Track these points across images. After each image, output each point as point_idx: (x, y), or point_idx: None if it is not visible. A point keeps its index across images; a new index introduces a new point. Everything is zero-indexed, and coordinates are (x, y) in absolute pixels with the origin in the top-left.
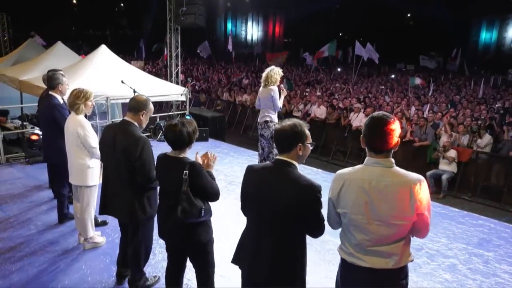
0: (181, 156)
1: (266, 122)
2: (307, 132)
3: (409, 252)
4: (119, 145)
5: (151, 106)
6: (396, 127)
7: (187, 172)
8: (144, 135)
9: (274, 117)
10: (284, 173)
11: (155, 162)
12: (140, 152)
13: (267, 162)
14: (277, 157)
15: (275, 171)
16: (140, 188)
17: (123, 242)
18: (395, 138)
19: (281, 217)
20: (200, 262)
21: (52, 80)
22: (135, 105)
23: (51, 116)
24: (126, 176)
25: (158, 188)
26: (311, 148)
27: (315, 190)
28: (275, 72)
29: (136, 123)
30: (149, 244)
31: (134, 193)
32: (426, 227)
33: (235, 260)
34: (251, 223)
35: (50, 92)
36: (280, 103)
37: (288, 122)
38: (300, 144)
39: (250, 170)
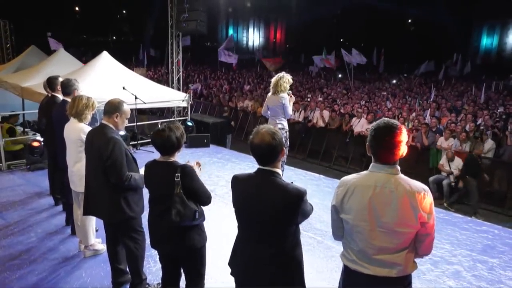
0: (171, 160)
1: (280, 130)
2: (281, 134)
3: (413, 262)
4: (95, 146)
5: (125, 108)
6: (403, 138)
7: (179, 174)
8: (118, 136)
9: (286, 124)
10: (270, 182)
11: (144, 170)
12: (111, 151)
13: (252, 172)
14: (260, 167)
15: (260, 180)
16: (115, 188)
17: (109, 248)
18: (403, 148)
19: (272, 223)
20: (193, 267)
21: (68, 86)
22: (109, 109)
23: None
24: (102, 177)
25: (149, 193)
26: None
27: (302, 194)
28: (285, 80)
29: (111, 125)
30: (142, 247)
31: (110, 194)
32: (430, 237)
33: (230, 264)
34: (242, 230)
35: (65, 98)
36: (290, 109)
37: (262, 131)
38: (283, 150)
39: (236, 180)
